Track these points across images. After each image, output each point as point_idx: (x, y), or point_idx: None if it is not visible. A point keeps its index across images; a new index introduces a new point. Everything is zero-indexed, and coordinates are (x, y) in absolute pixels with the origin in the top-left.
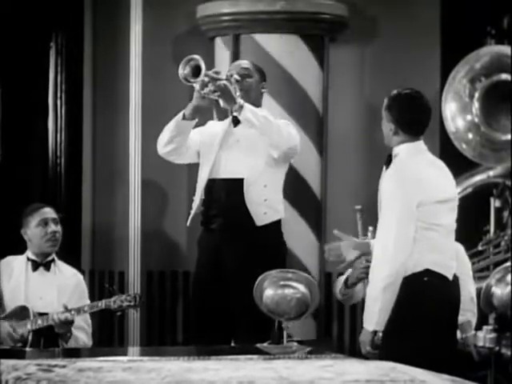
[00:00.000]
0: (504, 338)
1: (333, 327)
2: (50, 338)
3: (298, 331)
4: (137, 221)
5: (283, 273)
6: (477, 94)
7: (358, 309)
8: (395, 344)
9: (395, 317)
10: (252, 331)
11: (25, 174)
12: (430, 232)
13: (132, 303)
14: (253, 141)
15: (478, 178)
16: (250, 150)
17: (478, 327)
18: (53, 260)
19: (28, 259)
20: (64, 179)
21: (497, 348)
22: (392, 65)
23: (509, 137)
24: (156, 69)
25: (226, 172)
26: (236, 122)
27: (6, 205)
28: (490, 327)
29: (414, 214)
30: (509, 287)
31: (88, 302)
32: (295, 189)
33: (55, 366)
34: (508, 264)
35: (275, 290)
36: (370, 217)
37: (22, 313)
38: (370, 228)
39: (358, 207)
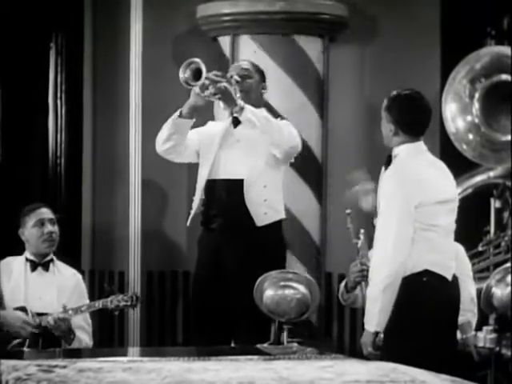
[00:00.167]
0: (504, 339)
1: (333, 327)
2: (49, 339)
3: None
4: (137, 221)
5: (283, 273)
6: (477, 95)
7: (358, 309)
8: (395, 344)
9: (395, 317)
10: (252, 332)
11: (25, 174)
12: (429, 233)
13: (129, 303)
14: (253, 141)
15: (479, 178)
16: (250, 150)
17: (479, 328)
18: (51, 260)
19: (27, 260)
20: (64, 179)
21: (497, 348)
22: (392, 65)
23: (509, 137)
24: (156, 69)
25: (226, 172)
26: (236, 122)
27: (6, 205)
28: (490, 328)
29: (413, 215)
30: (509, 288)
31: (87, 302)
32: (294, 190)
33: (55, 366)
34: (508, 265)
35: (275, 290)
36: (371, 217)
37: None
38: (362, 230)
39: (349, 211)
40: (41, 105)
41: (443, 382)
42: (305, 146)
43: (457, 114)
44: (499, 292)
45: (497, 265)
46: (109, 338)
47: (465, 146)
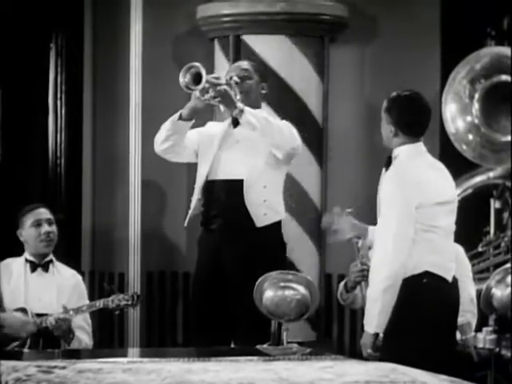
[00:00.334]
0: (504, 340)
1: (333, 328)
2: (49, 339)
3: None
4: (137, 222)
5: (283, 274)
6: (477, 95)
7: (357, 310)
8: (395, 345)
9: (395, 318)
10: (252, 332)
11: (25, 175)
12: (429, 234)
13: (130, 302)
14: (252, 141)
15: (478, 179)
16: (250, 150)
17: (478, 328)
18: (51, 261)
19: (26, 261)
20: (64, 180)
21: (497, 349)
22: (392, 65)
23: (509, 138)
24: (156, 69)
25: (225, 173)
26: (236, 122)
27: (6, 205)
28: (490, 328)
29: (413, 216)
30: (509, 289)
31: (87, 302)
32: (293, 192)
33: (55, 367)
34: (508, 265)
35: (275, 291)
36: (371, 218)
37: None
38: None
39: (349, 210)
40: (41, 105)
41: (443, 382)
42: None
43: (457, 115)
44: (499, 293)
45: (497, 265)
46: (109, 338)
47: (465, 147)
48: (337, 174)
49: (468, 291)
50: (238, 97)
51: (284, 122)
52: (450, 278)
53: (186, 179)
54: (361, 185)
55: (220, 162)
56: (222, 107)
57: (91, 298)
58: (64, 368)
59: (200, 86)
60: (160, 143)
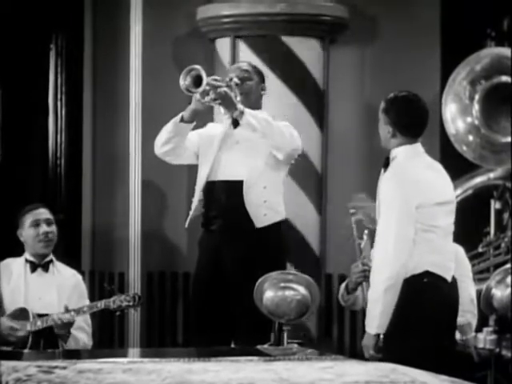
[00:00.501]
0: (504, 340)
1: (333, 328)
2: (50, 340)
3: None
4: (137, 222)
5: (283, 274)
6: (477, 96)
7: (357, 310)
8: (396, 346)
9: (396, 318)
10: (252, 333)
11: (25, 175)
12: (429, 234)
13: (131, 303)
14: (252, 142)
15: (479, 179)
16: (250, 151)
17: (479, 329)
18: (51, 261)
19: (26, 261)
20: (64, 180)
21: (497, 349)
22: (392, 66)
23: (509, 139)
24: (156, 70)
25: (225, 173)
26: (236, 123)
27: (6, 206)
28: (490, 329)
29: (413, 216)
30: (509, 289)
31: (87, 302)
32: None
33: (55, 367)
34: (508, 266)
35: (275, 291)
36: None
37: (21, 314)
38: (366, 231)
39: (352, 211)
40: (41, 105)
41: (443, 382)
42: (304, 148)
43: (457, 116)
44: (499, 293)
45: (497, 266)
46: (109, 338)
47: (465, 148)
48: (337, 175)
49: (468, 291)
50: (239, 98)
51: (284, 123)
52: (449, 278)
53: (187, 180)
54: (361, 185)
55: (220, 163)
56: (222, 109)
57: (91, 298)
58: (64, 368)
59: (200, 89)
60: (160, 145)
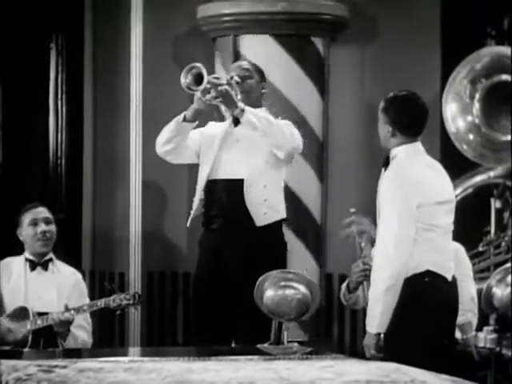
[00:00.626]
0: (504, 339)
1: (333, 328)
2: (50, 339)
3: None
4: (137, 222)
5: (284, 273)
6: (477, 95)
7: (358, 309)
8: (397, 345)
9: (397, 318)
10: (252, 332)
11: (25, 175)
12: (429, 233)
13: (131, 302)
14: (253, 141)
15: (479, 178)
16: (250, 150)
17: (479, 328)
18: (50, 259)
19: (26, 260)
20: (64, 180)
21: (497, 349)
22: (392, 65)
23: (509, 137)
24: (156, 69)
25: (226, 172)
26: (236, 121)
27: (6, 205)
28: (491, 328)
29: (413, 215)
30: (509, 288)
31: (87, 300)
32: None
33: (56, 366)
34: (508, 265)
35: (276, 290)
36: (371, 218)
37: (21, 313)
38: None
39: (353, 210)
40: (41, 105)
41: (443, 381)
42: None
43: (457, 114)
44: (499, 292)
45: (497, 265)
46: (109, 337)
47: (465, 146)
48: (337, 175)
49: (469, 290)
50: (239, 96)
51: (285, 121)
52: (449, 277)
53: (187, 179)
54: (361, 185)
55: (221, 162)
56: (223, 107)
57: (91, 298)
58: (65, 367)
59: (201, 87)
60: (162, 145)
